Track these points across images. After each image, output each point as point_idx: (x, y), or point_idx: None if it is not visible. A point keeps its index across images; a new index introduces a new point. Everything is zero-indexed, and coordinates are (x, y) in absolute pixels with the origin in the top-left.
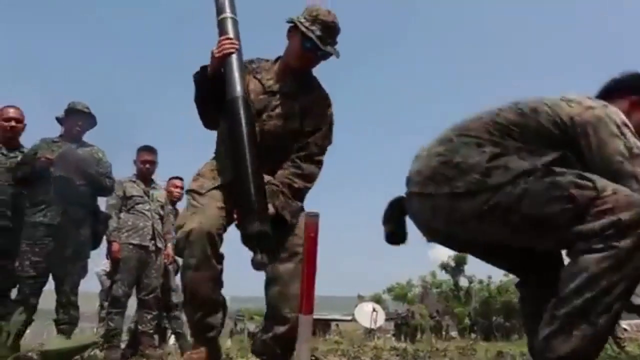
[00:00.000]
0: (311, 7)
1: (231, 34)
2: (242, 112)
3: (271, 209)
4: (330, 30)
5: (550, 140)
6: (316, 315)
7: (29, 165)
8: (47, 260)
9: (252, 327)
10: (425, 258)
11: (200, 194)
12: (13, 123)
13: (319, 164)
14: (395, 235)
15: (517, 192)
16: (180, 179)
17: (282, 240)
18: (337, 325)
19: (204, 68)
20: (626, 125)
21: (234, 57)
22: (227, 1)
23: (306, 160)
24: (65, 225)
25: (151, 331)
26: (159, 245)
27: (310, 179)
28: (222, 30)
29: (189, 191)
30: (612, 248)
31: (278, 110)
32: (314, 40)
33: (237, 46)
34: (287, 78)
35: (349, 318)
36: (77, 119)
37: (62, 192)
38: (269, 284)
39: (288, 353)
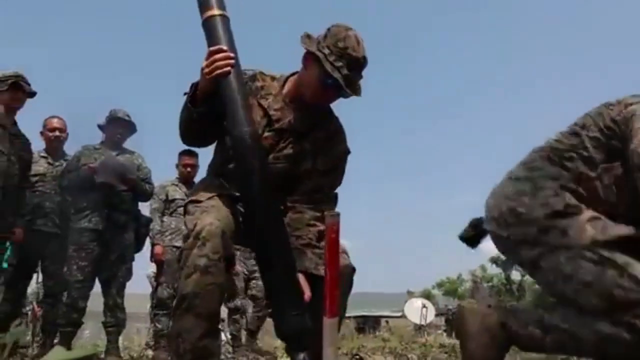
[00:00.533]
0: (337, 33)
1: (223, 43)
2: (255, 160)
3: (307, 293)
4: (358, 68)
5: (608, 149)
6: (366, 312)
7: (73, 173)
8: (94, 264)
9: None
10: (474, 252)
11: (201, 200)
12: (57, 133)
13: (335, 199)
14: (466, 238)
15: (567, 269)
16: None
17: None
18: (387, 321)
19: (195, 86)
20: None
21: (232, 75)
22: None
23: (322, 201)
24: (110, 230)
25: None
26: None
27: None
28: (211, 36)
29: (188, 203)
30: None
31: (287, 152)
32: (339, 82)
33: (232, 62)
34: (299, 112)
35: (399, 314)
36: (118, 127)
37: (105, 198)
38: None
39: None
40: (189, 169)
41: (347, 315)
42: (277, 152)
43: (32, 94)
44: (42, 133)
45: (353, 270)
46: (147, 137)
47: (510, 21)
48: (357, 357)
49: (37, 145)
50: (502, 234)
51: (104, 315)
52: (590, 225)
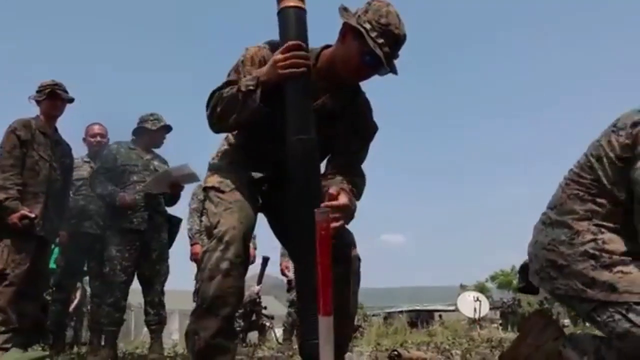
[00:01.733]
0: (379, 8)
1: (299, 38)
2: (307, 173)
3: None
4: (398, 46)
5: (628, 178)
6: (418, 306)
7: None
8: (136, 264)
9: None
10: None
11: (224, 191)
12: (98, 138)
13: (364, 177)
14: (526, 288)
15: (620, 328)
16: None
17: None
18: (440, 316)
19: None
20: None
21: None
22: None
23: (354, 174)
24: (150, 230)
25: (238, 329)
26: None
27: (360, 195)
28: (286, 30)
29: (209, 188)
30: None
31: (320, 133)
32: (380, 58)
33: (309, 62)
34: (332, 90)
35: (453, 308)
36: (153, 137)
37: (146, 200)
38: None
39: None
40: None
41: (399, 310)
42: None
43: (71, 100)
44: (84, 139)
45: (359, 260)
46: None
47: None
48: (395, 353)
49: (80, 151)
50: (547, 288)
51: (146, 314)
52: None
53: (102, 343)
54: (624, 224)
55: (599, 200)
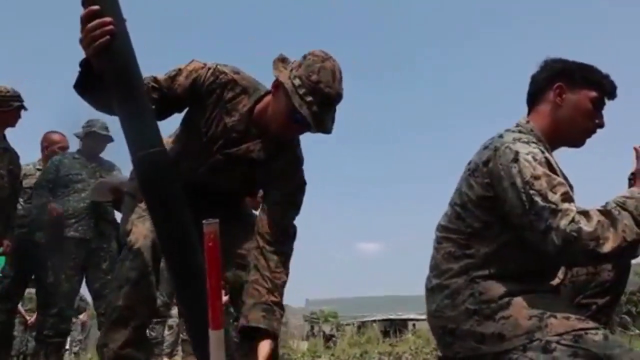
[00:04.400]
0: (312, 63)
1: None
2: (166, 192)
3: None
4: (330, 105)
5: (498, 217)
6: (392, 315)
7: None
8: (81, 273)
9: (327, 329)
10: None
11: (140, 199)
12: (57, 147)
13: (294, 236)
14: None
15: None
16: None
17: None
18: (414, 324)
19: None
20: None
21: (118, 44)
22: None
23: (285, 241)
24: (96, 239)
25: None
26: None
27: (288, 268)
28: None
29: (126, 193)
30: None
31: (235, 175)
32: (306, 119)
33: (111, 29)
34: (262, 141)
35: (425, 317)
36: (96, 141)
37: (92, 208)
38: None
39: None
40: None
41: (372, 319)
42: (225, 172)
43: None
44: (45, 148)
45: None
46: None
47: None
48: None
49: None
50: (450, 355)
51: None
52: (521, 317)
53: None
54: (500, 259)
55: (469, 251)
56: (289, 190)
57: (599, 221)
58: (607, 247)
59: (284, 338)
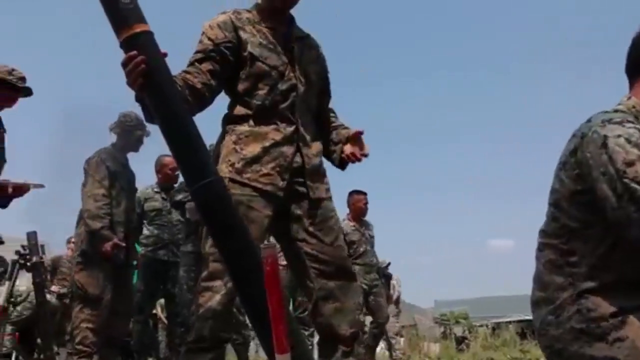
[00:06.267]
0: None
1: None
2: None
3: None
4: None
5: (596, 215)
6: (529, 315)
7: None
8: None
9: (459, 331)
10: None
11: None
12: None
13: None
14: None
15: None
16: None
17: (319, 245)
18: None
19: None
20: None
21: (156, 80)
22: None
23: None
24: None
25: None
26: None
27: None
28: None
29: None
30: None
31: (310, 71)
32: None
33: (143, 67)
34: (283, 26)
35: None
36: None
37: None
38: (318, 301)
39: None
40: None
41: (507, 320)
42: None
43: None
44: (158, 171)
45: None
46: None
47: None
48: None
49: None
50: None
51: None
52: (639, 340)
53: None
54: (609, 268)
55: (572, 258)
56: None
57: None
58: None
59: (414, 340)
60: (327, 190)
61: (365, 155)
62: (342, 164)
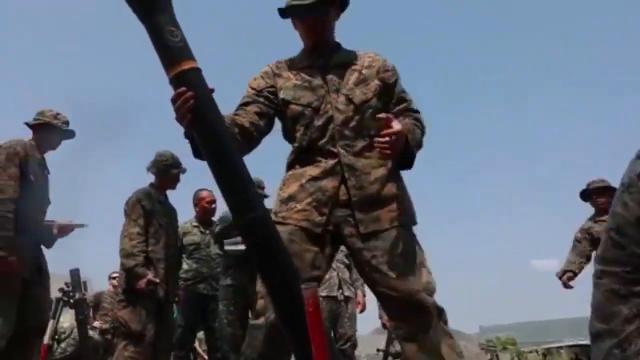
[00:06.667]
0: None
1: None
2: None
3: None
4: None
5: None
6: (583, 340)
7: None
8: (242, 317)
9: (506, 357)
10: None
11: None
12: (211, 204)
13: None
14: None
15: None
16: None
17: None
18: None
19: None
20: None
21: (202, 116)
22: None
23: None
24: (252, 283)
25: None
26: (347, 293)
27: (423, 128)
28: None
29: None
30: None
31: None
32: (296, 3)
33: (191, 103)
34: (329, 55)
35: None
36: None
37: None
38: (401, 342)
39: None
40: None
41: (558, 345)
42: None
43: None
44: (196, 205)
45: (439, 310)
46: None
47: None
48: None
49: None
50: None
51: None
52: None
53: None
54: None
55: (638, 288)
56: (379, 70)
57: None
58: None
59: None
60: (393, 219)
61: (391, 134)
62: (390, 159)
